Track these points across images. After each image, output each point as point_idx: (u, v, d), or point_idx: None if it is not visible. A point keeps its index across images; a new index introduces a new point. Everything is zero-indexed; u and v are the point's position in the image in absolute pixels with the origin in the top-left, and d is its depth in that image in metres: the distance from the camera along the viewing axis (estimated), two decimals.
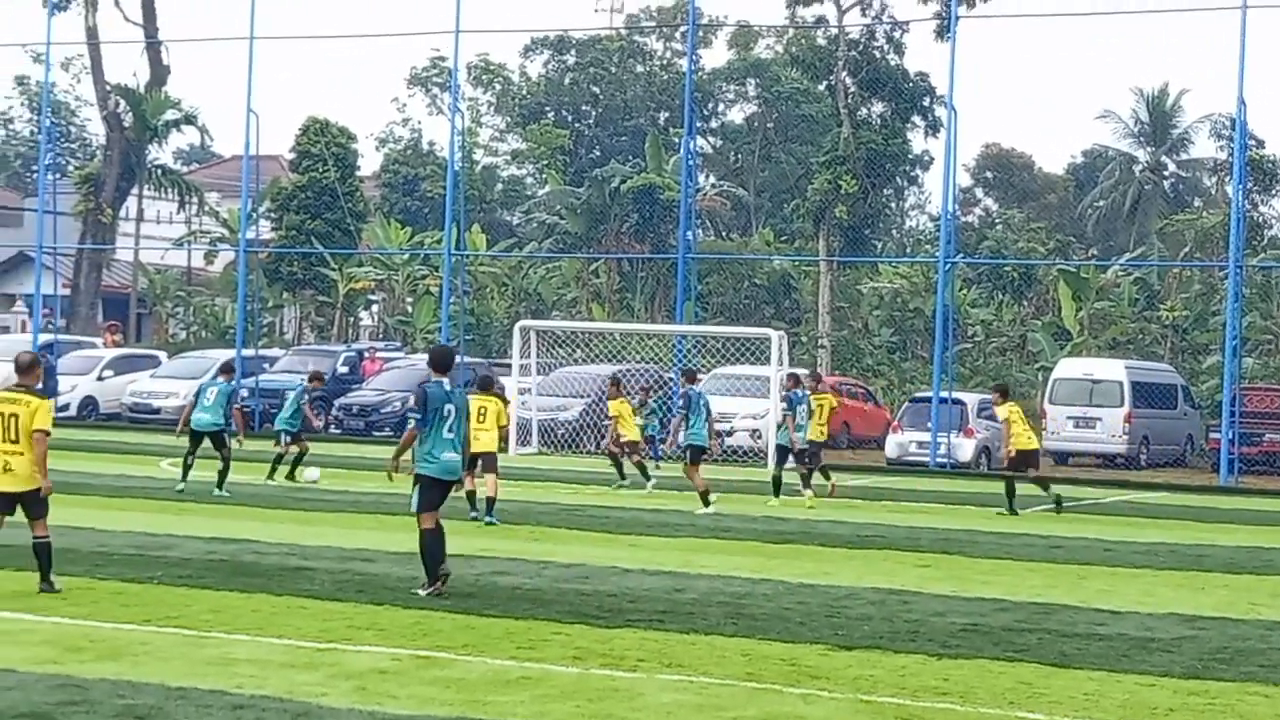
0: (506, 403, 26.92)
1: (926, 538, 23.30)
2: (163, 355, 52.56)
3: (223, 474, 26.50)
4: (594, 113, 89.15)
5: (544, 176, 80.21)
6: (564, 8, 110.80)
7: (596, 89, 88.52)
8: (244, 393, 45.02)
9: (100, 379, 48.89)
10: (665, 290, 62.05)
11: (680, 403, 28.31)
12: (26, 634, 13.23)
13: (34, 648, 12.60)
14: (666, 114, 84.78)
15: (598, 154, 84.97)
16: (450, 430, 15.99)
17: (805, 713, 11.28)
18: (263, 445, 33.39)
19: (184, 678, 11.56)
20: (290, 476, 29.55)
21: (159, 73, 64.35)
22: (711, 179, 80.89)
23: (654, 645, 13.49)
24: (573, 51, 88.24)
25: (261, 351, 50.78)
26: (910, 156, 64.24)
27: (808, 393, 29.63)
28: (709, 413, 27.66)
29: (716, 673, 12.41)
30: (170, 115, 65.78)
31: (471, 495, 23.47)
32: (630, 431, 31.61)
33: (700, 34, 73.17)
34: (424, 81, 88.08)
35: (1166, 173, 79.32)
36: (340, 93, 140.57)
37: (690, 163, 47.09)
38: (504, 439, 28.11)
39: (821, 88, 64.94)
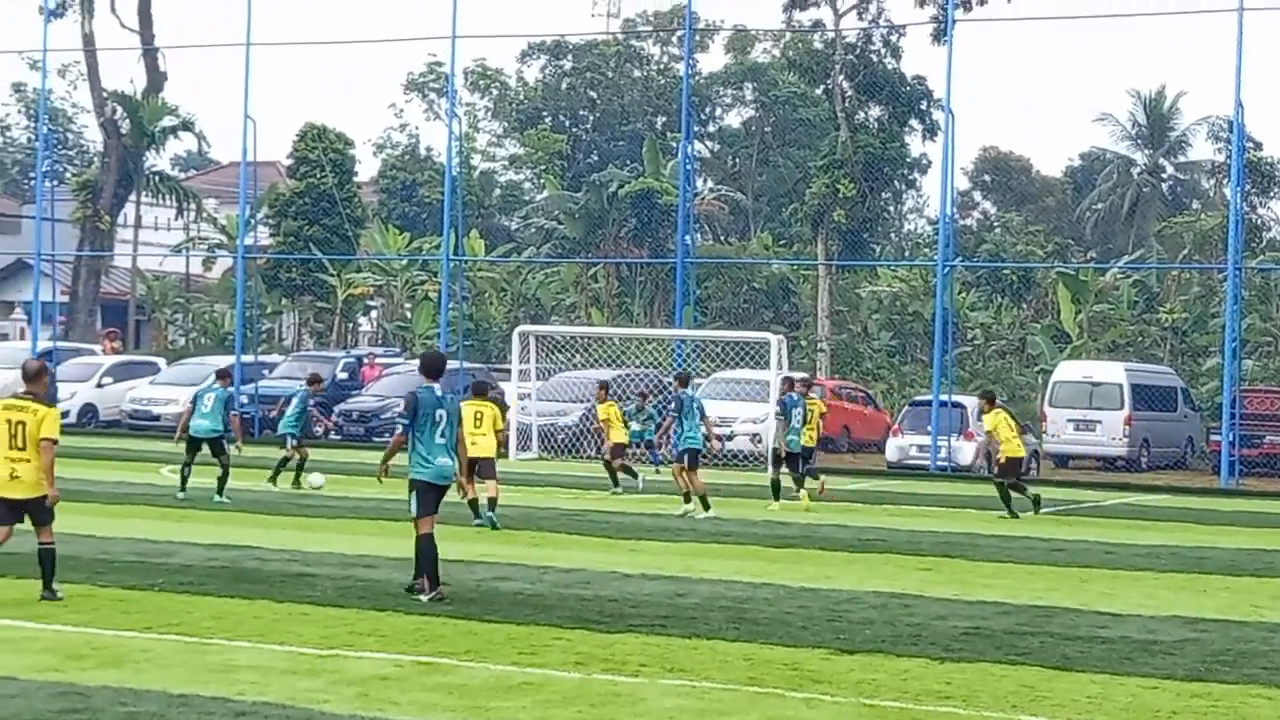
0: (504, 408, 26.92)
1: (928, 541, 23.30)
2: (162, 362, 52.51)
3: (222, 480, 26.50)
4: (591, 117, 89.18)
5: (542, 181, 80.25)
6: (561, 12, 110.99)
7: (594, 94, 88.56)
8: (243, 399, 45.04)
9: (100, 386, 48.88)
10: (664, 295, 62.06)
11: (671, 406, 28.28)
12: (28, 642, 13.23)
13: (36, 655, 12.59)
14: (664, 118, 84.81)
15: (595, 159, 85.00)
16: (442, 435, 16.09)
17: (808, 717, 11.28)
18: (262, 451, 33.40)
19: (186, 685, 11.56)
20: (295, 483, 29.53)
21: (156, 79, 64.35)
22: (709, 183, 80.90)
23: (656, 650, 13.49)
24: (570, 56, 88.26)
25: (261, 358, 50.75)
26: (908, 160, 64.32)
27: (802, 397, 29.69)
28: (703, 415, 27.70)
29: (718, 677, 12.41)
30: (168, 122, 65.79)
31: (474, 503, 23.45)
32: (618, 435, 31.78)
33: (697, 38, 73.18)
34: (421, 87, 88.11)
35: (1165, 175, 79.34)
36: (337, 99, 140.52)
37: (688, 167, 47.09)
38: (504, 444, 28.11)
39: (819, 92, 64.90)
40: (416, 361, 50.04)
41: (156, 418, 45.46)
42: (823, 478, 31.16)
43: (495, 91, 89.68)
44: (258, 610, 15.09)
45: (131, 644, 13.23)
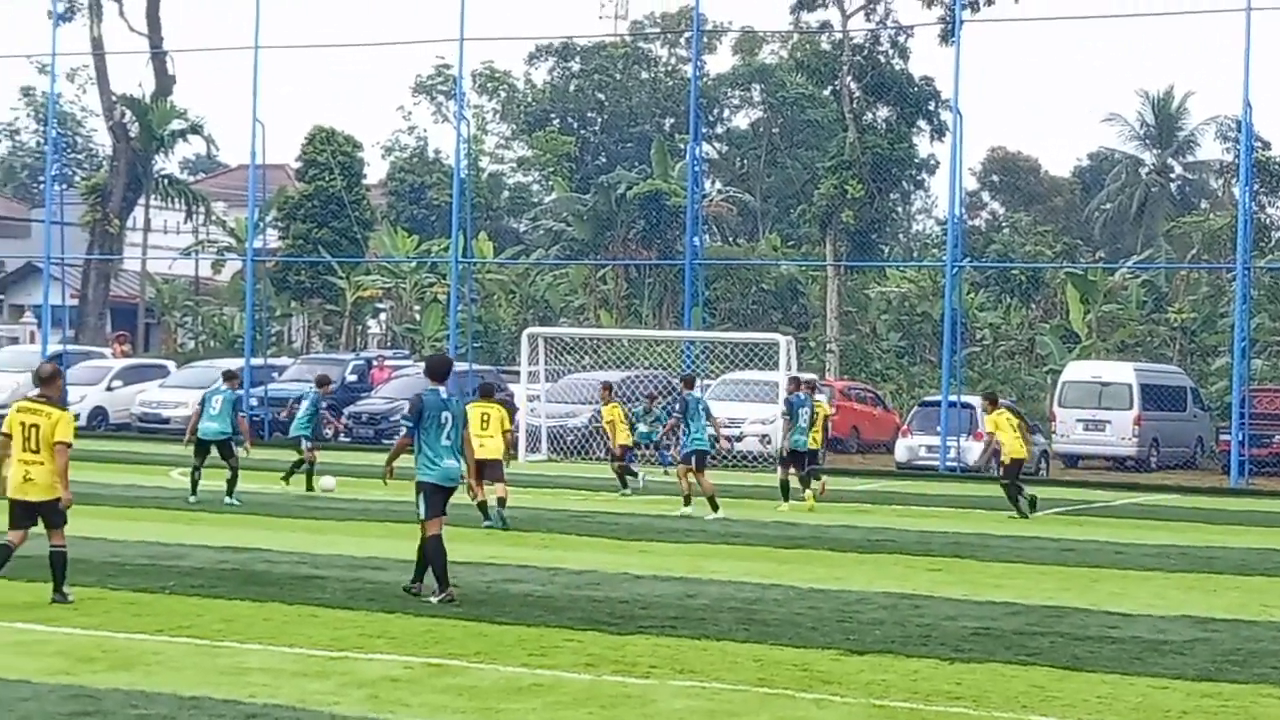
0: (512, 409, 26.94)
1: (937, 542, 23.29)
2: (171, 365, 52.56)
3: (231, 482, 26.52)
4: (599, 119, 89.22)
5: (550, 183, 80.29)
6: (568, 15, 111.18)
7: (602, 96, 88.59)
8: (253, 401, 45.07)
9: (109, 389, 48.92)
10: (673, 296, 62.05)
11: (676, 407, 28.28)
12: (40, 645, 13.25)
13: (47, 659, 12.61)
14: (672, 120, 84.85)
15: (603, 161, 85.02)
16: (448, 438, 16.15)
17: (818, 718, 11.29)
18: (272, 454, 33.45)
19: (197, 687, 11.58)
20: (308, 486, 29.54)
21: (164, 83, 64.42)
22: (718, 185, 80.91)
23: (666, 651, 13.49)
24: (577, 58, 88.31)
25: (270, 360, 50.79)
26: (916, 161, 64.25)
27: (809, 397, 29.71)
28: (709, 415, 27.71)
29: (729, 678, 12.41)
30: (176, 125, 65.85)
31: (483, 505, 23.46)
32: (621, 438, 31.90)
33: (705, 40, 73.24)
34: (429, 90, 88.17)
35: (1173, 175, 79.29)
36: (346, 101, 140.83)
37: (696, 168, 47.09)
38: (512, 445, 28.11)
39: (827, 93, 64.97)
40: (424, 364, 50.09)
41: (166, 421, 45.50)
42: (824, 478, 31.11)
43: (503, 94, 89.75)
44: (268, 613, 15.11)
45: (142, 647, 13.25)
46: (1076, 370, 45.77)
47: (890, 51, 55.01)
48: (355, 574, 17.81)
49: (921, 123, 56.12)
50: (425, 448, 16.10)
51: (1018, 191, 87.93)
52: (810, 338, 58.13)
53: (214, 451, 26.84)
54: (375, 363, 50.80)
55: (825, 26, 56.25)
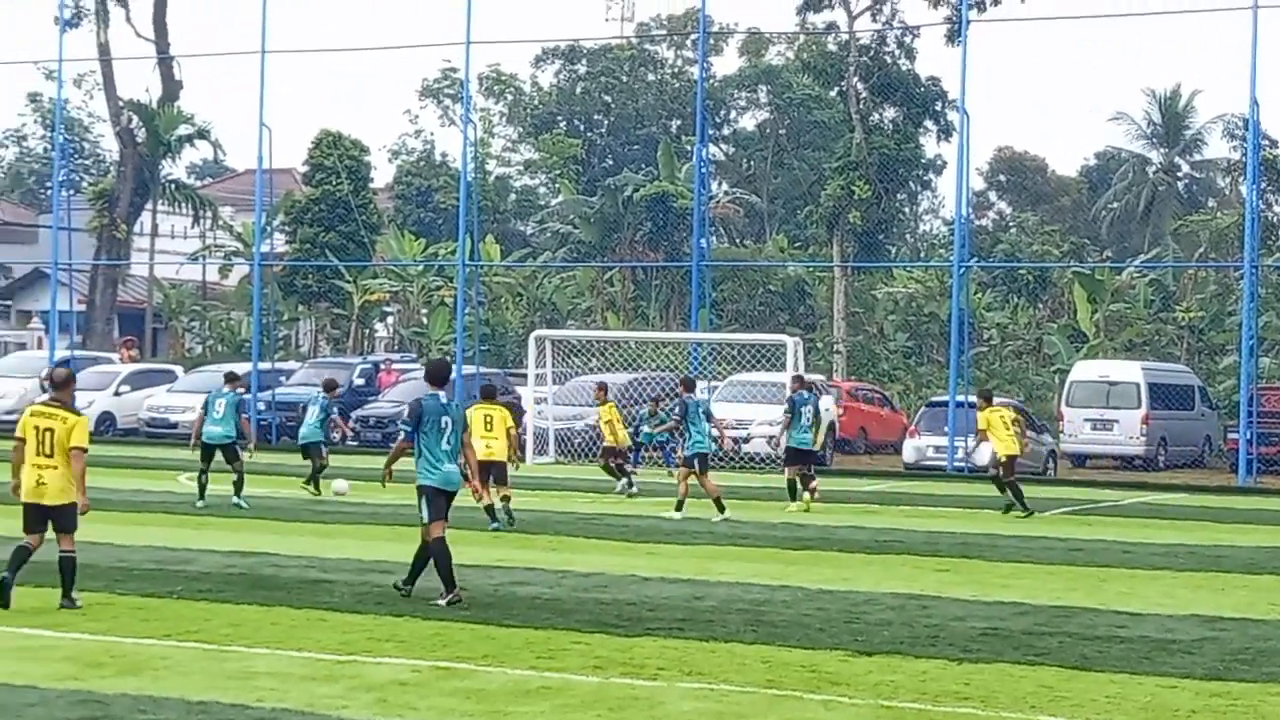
0: (521, 412, 26.98)
1: (945, 542, 23.28)
2: (179, 370, 52.59)
3: (238, 484, 26.53)
4: (606, 122, 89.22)
5: (557, 186, 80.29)
6: (575, 17, 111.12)
7: (608, 98, 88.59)
8: (260, 406, 45.12)
9: (117, 394, 48.94)
10: (680, 298, 62.05)
11: (677, 410, 28.28)
12: (47, 650, 13.26)
13: (55, 664, 12.62)
14: (678, 122, 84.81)
15: (610, 163, 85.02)
16: (448, 442, 16.25)
17: (826, 719, 11.28)
18: (279, 458, 33.47)
19: (205, 692, 11.58)
20: (316, 489, 29.54)
21: (171, 88, 64.46)
22: (724, 186, 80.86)
23: (674, 653, 13.49)
24: (584, 61, 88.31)
25: (277, 364, 50.83)
26: (923, 161, 64.23)
27: (813, 395, 29.67)
28: (710, 418, 27.73)
29: (737, 680, 12.41)
30: (183, 130, 65.90)
31: (490, 508, 23.46)
32: (618, 436, 32.11)
33: (711, 41, 73.12)
34: (436, 93, 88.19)
35: (1180, 174, 79.21)
36: (352, 105, 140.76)
37: (703, 170, 47.07)
38: (519, 446, 28.13)
39: (833, 93, 64.93)
40: None
41: (174, 425, 45.52)
42: (816, 483, 30.66)
43: (510, 97, 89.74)
44: (275, 617, 15.11)
45: (150, 651, 13.26)
46: (1084, 370, 45.76)
47: (897, 52, 55.00)
48: (363, 577, 17.81)
49: (928, 123, 56.09)
50: (426, 452, 16.18)
51: (1025, 191, 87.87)
52: (817, 339, 58.11)
53: (219, 456, 26.85)
54: (382, 366, 50.82)
55: (831, 27, 56.23)
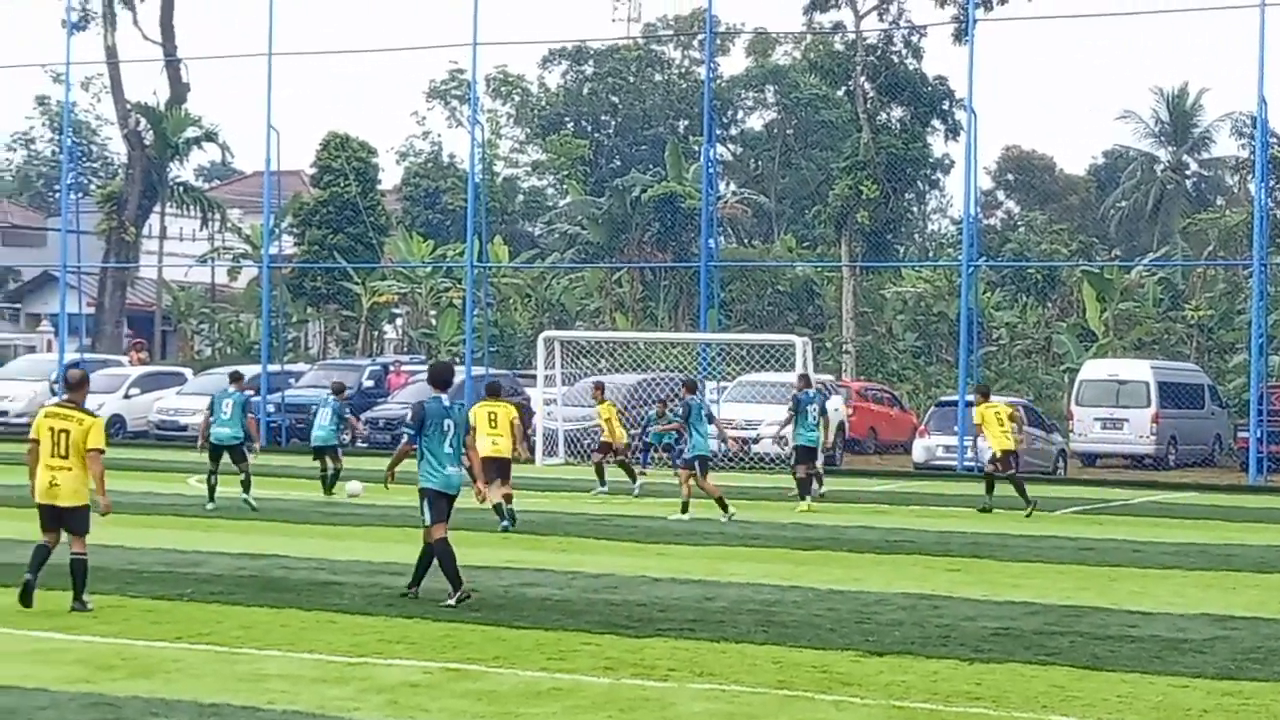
0: (530, 413, 27.00)
1: (956, 542, 23.26)
2: (188, 372, 52.64)
3: (245, 483, 26.55)
4: (613, 122, 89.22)
5: (565, 187, 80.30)
6: (581, 18, 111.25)
7: (615, 99, 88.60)
8: (270, 408, 45.14)
9: (127, 397, 48.97)
10: (688, 298, 62.02)
11: (680, 412, 28.30)
12: (59, 653, 13.27)
13: (66, 667, 12.63)
14: (686, 122, 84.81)
15: (618, 164, 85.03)
16: (450, 445, 16.28)
17: (837, 719, 11.27)
18: (289, 460, 33.47)
19: (216, 694, 11.59)
20: (326, 491, 29.55)
21: (179, 90, 64.50)
22: (732, 186, 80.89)
23: (685, 654, 13.49)
24: (591, 62, 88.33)
25: (287, 366, 50.87)
26: (931, 160, 64.12)
27: (819, 394, 29.68)
28: (712, 419, 27.76)
29: (748, 681, 12.40)
30: (191, 132, 65.91)
31: (498, 508, 23.47)
32: (617, 435, 32.23)
33: (718, 42, 73.20)
34: (443, 94, 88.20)
35: (1188, 172, 79.10)
36: (360, 107, 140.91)
37: (711, 170, 47.04)
38: (527, 441, 28.16)
39: (840, 93, 64.85)
40: None
41: (184, 428, 45.53)
42: (819, 488, 30.59)
43: (517, 98, 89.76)
44: (286, 619, 15.12)
45: (161, 654, 13.27)
46: (1094, 369, 45.68)
47: (904, 51, 54.95)
48: (373, 579, 17.82)
49: (936, 122, 56.05)
50: (428, 454, 16.21)
51: (1033, 190, 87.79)
52: (826, 338, 58.08)
53: (227, 457, 26.86)
54: (392, 368, 50.84)
55: (838, 27, 56.20)
